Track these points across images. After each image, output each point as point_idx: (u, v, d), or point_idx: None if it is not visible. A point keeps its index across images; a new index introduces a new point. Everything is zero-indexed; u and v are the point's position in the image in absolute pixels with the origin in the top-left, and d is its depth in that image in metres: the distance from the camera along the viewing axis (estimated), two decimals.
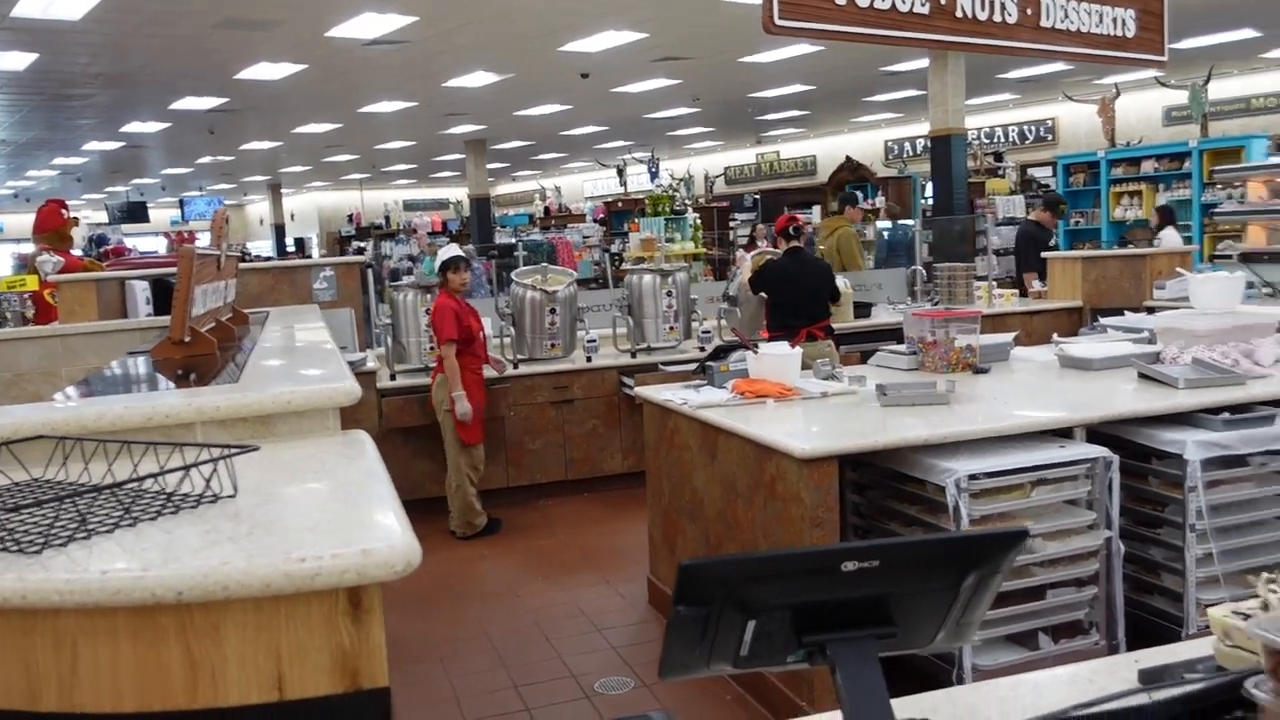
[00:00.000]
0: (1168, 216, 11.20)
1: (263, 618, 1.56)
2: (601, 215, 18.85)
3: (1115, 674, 1.82)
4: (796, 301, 6.57)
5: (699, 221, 13.49)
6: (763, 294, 6.76)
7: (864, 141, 23.40)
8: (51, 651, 1.54)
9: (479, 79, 14.12)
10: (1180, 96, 14.19)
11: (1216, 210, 8.84)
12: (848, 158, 17.24)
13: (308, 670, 1.59)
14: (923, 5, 4.70)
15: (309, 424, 2.43)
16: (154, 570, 1.52)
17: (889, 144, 23.76)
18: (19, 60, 11.33)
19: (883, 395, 4.32)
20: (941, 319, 5.02)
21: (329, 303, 6.93)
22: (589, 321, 7.67)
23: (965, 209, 11.93)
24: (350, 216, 28.12)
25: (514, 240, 14.97)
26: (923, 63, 12.75)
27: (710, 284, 9.88)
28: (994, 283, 8.76)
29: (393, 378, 7.08)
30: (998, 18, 4.84)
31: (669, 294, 7.62)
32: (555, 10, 10.37)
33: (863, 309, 8.31)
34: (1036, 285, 8.90)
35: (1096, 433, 3.99)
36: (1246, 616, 1.46)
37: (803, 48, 13.10)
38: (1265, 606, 1.49)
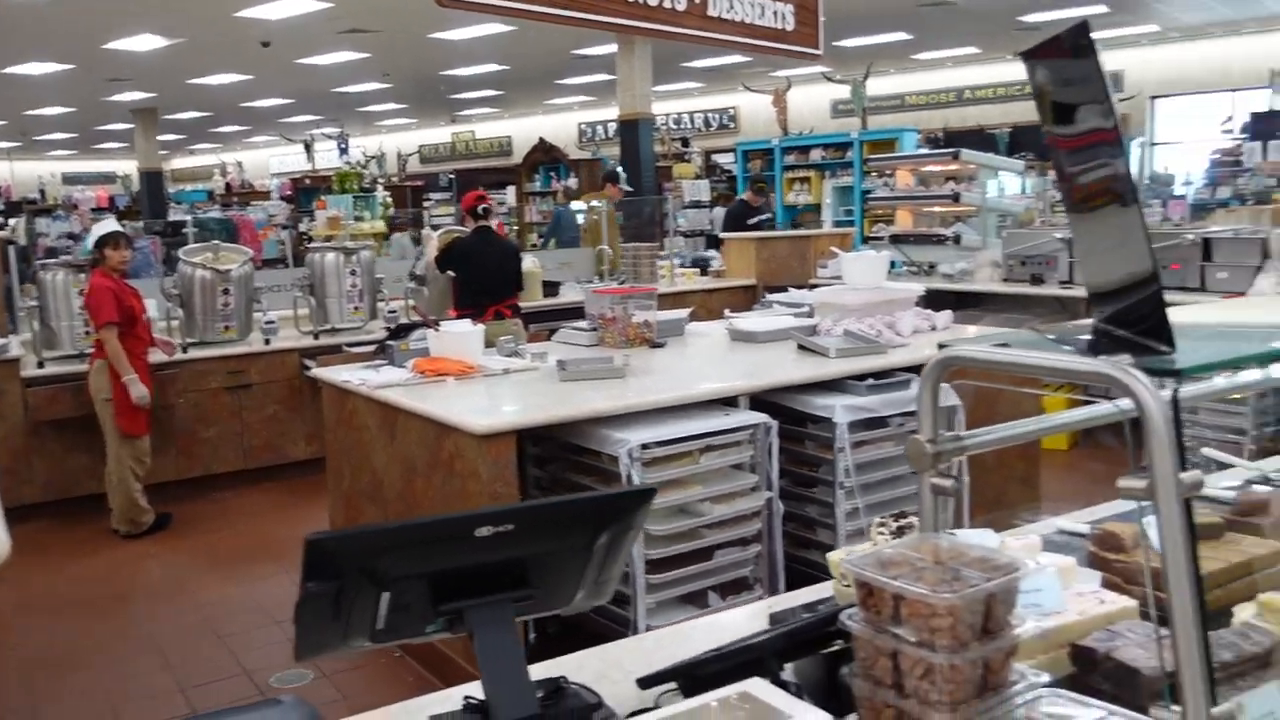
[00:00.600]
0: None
1: None
2: (289, 192, 17.99)
3: (756, 620, 1.93)
4: (484, 280, 6.55)
5: (389, 199, 13.16)
6: (450, 272, 6.70)
7: (559, 123, 23.67)
8: None
9: (145, 42, 13.02)
10: (845, 91, 15.33)
11: (871, 196, 9.61)
12: (541, 139, 17.39)
13: None
14: None
15: None
16: None
17: (583, 126, 24.17)
18: None
19: (562, 370, 4.39)
20: (620, 295, 5.16)
21: None
22: (268, 302, 7.29)
23: (654, 191, 12.34)
24: None
25: (187, 217, 13.96)
26: (612, 48, 13.03)
27: (399, 263, 9.65)
28: (676, 260, 9.13)
29: (40, 365, 6.42)
30: (667, 4, 5.03)
31: (353, 273, 7.39)
32: None
33: (551, 288, 8.41)
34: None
35: (760, 400, 4.25)
36: None
37: (495, 26, 13.03)
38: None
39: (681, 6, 5.04)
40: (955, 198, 9.01)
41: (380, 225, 12.27)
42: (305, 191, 16.36)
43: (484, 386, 4.39)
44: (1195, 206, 10.48)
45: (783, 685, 1.43)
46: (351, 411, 4.64)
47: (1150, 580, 1.28)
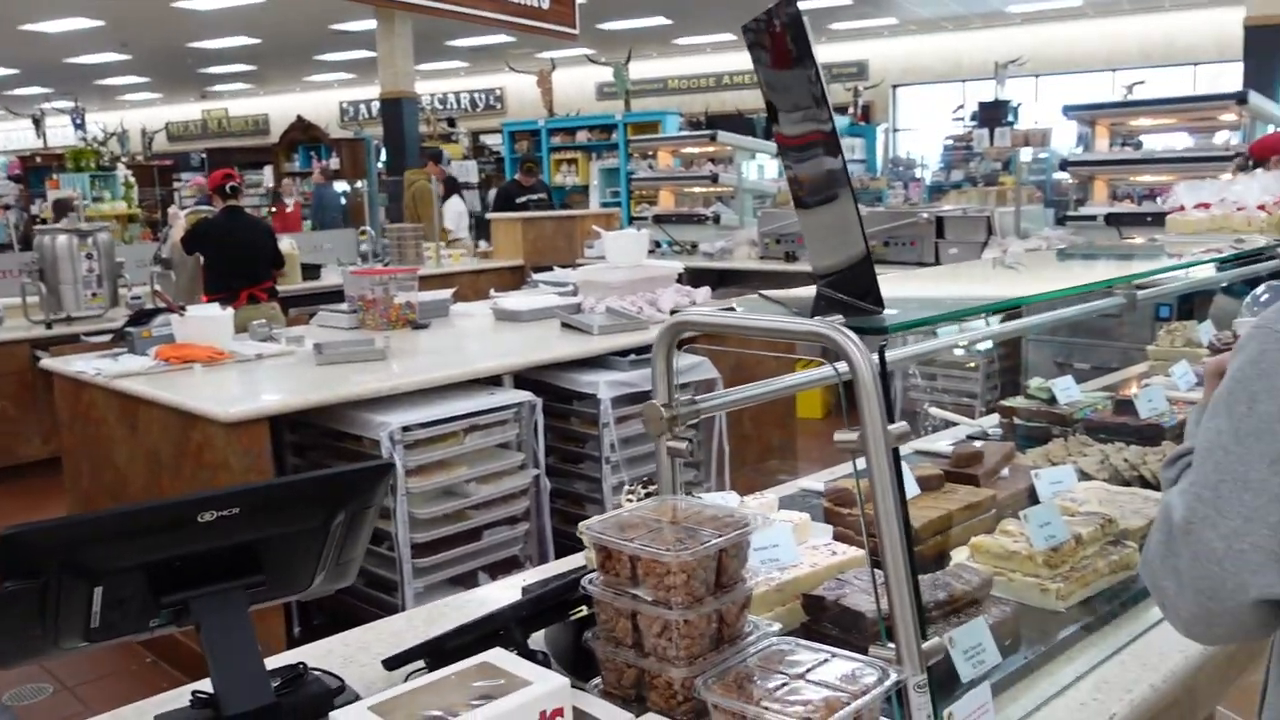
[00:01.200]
0: (453, 186, 11.20)
1: None
2: (17, 171, 16.52)
3: (512, 594, 1.92)
4: (235, 262, 6.24)
5: (132, 179, 12.30)
6: (198, 255, 6.34)
7: (319, 101, 22.80)
8: None
9: None
10: (610, 74, 15.49)
11: (634, 177, 9.77)
12: (299, 117, 16.69)
13: None
14: None
15: None
16: None
17: (344, 105, 23.39)
18: None
19: (319, 353, 4.24)
20: (380, 277, 5.04)
21: None
22: None
23: None
24: None
25: None
26: (372, 24, 12.65)
27: (145, 246, 9.05)
28: (443, 243, 8.99)
29: None
30: None
31: (89, 257, 6.86)
32: None
33: (312, 270, 8.11)
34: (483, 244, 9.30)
35: (525, 379, 4.25)
36: None
37: None
38: None
39: None
40: (714, 179, 9.29)
41: (122, 206, 11.47)
42: (35, 170, 15.06)
43: (235, 373, 4.19)
44: (932, 188, 11.26)
45: (529, 654, 1.44)
46: (89, 404, 4.32)
47: (867, 529, 1.36)
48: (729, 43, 18.49)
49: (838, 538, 1.90)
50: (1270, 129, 6.50)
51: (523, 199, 10.33)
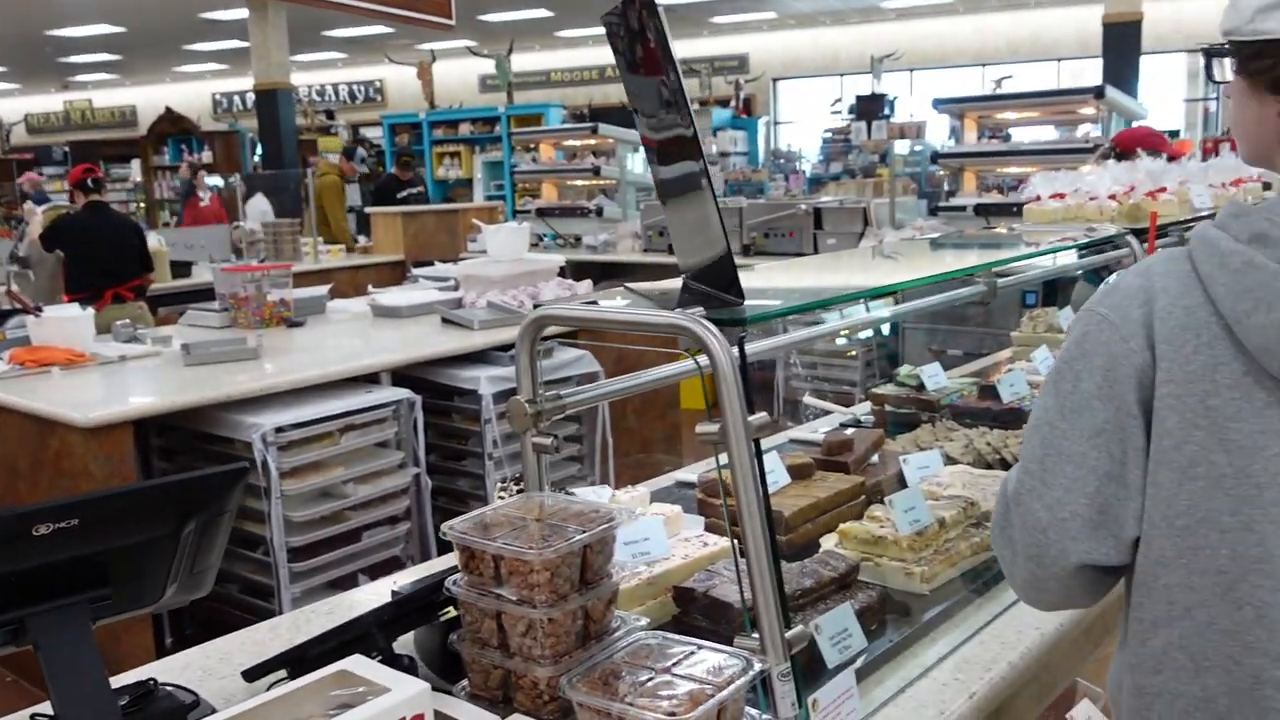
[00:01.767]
0: (253, 185, 10.38)
1: None
2: None
3: (382, 593, 1.88)
4: (98, 260, 5.98)
5: None
6: (59, 252, 6.06)
7: (190, 92, 22.01)
8: None
9: None
10: (492, 66, 15.31)
11: (516, 170, 9.70)
12: (168, 109, 16.09)
13: None
14: None
15: None
16: None
17: (217, 97, 22.64)
18: None
19: (187, 354, 4.10)
20: (253, 274, 4.89)
21: None
22: None
23: (296, 166, 11.77)
24: None
25: None
26: (244, 13, 12.26)
27: (1, 243, 8.60)
28: (319, 238, 8.77)
29: None
30: None
31: None
32: None
33: (183, 268, 7.83)
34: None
35: (404, 376, 4.17)
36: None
37: None
38: None
39: None
40: (596, 171, 9.27)
41: None
42: None
43: (97, 376, 4.01)
44: (812, 180, 11.44)
45: (393, 659, 1.41)
46: None
47: (731, 520, 1.36)
48: None
49: (709, 529, 1.91)
50: (1134, 124, 6.78)
51: (403, 194, 10.15)
